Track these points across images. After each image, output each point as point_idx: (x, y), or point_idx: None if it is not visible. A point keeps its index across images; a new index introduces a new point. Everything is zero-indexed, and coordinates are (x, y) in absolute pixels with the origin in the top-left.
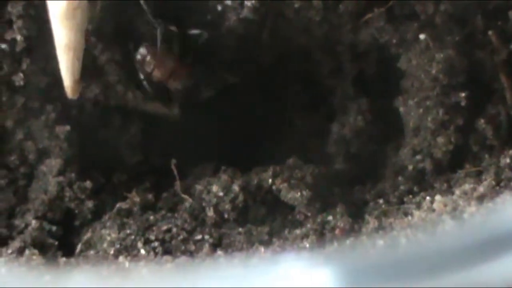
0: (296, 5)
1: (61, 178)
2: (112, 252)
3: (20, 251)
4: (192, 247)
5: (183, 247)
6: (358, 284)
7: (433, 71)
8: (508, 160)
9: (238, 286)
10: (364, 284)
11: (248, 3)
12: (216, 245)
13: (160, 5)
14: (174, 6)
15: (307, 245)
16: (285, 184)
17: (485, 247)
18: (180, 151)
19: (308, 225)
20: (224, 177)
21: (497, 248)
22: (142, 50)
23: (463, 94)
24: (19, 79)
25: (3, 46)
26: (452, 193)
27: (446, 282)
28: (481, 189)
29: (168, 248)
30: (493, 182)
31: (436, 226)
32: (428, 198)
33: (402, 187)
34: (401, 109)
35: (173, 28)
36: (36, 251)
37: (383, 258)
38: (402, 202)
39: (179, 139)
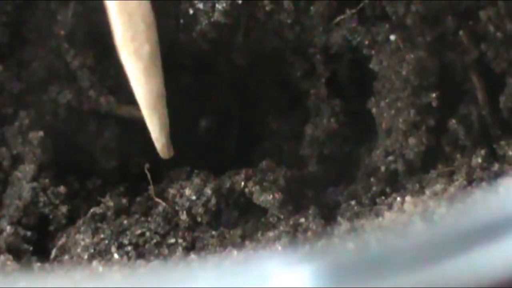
0: (268, 8)
1: (35, 184)
2: (86, 257)
3: None
4: (166, 251)
5: (156, 251)
6: (334, 283)
7: (404, 72)
8: (480, 160)
9: None
10: (341, 283)
11: (219, 6)
12: (189, 249)
13: None
14: None
15: (280, 248)
16: (257, 187)
17: (454, 243)
18: (155, 155)
19: (281, 228)
20: (196, 180)
21: (465, 244)
22: None
23: (434, 95)
24: None
25: None
26: (424, 194)
27: (415, 278)
28: (451, 189)
29: (141, 252)
30: (465, 182)
31: (406, 227)
32: (399, 199)
33: (374, 189)
34: (374, 110)
35: None
36: (10, 257)
37: (357, 257)
38: (375, 204)
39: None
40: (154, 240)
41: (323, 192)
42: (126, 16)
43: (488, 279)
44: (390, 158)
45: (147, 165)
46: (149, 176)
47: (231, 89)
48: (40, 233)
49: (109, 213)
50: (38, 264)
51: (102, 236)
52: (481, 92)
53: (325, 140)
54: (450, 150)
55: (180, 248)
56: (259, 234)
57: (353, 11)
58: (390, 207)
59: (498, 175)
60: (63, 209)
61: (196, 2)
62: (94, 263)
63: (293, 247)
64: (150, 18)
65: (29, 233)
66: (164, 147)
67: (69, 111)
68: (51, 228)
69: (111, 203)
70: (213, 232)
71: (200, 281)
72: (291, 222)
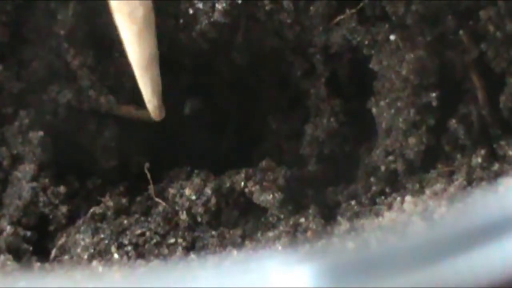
0: (267, 8)
1: (35, 184)
2: (86, 256)
3: None
4: (166, 251)
5: (156, 251)
6: (334, 283)
7: (404, 72)
8: (479, 160)
9: None
10: (341, 282)
11: (219, 6)
12: (189, 249)
13: None
14: None
15: (280, 247)
16: (257, 187)
17: (453, 243)
18: (155, 154)
19: (281, 227)
20: (196, 180)
21: (465, 244)
22: None
23: (434, 94)
24: None
25: None
26: (423, 194)
27: (415, 278)
28: (451, 189)
29: (141, 252)
30: (465, 182)
31: (406, 227)
32: (398, 198)
33: (374, 188)
34: (374, 110)
35: None
36: (10, 257)
37: (357, 257)
38: (374, 203)
39: (153, 143)
40: (154, 240)
41: (323, 192)
42: None
43: (487, 278)
44: (390, 157)
45: (147, 165)
46: (149, 175)
47: (231, 88)
48: (40, 233)
49: (109, 213)
50: (38, 264)
51: (102, 236)
52: (481, 91)
53: (325, 139)
54: (450, 149)
55: (180, 248)
56: (259, 234)
57: (353, 11)
58: (390, 206)
59: (498, 174)
60: (63, 209)
61: (196, 2)
62: (94, 263)
63: (293, 247)
64: None
65: (29, 233)
66: (156, 108)
67: (69, 111)
68: (51, 228)
69: (111, 203)
70: (213, 232)
71: (200, 281)
72: (291, 222)
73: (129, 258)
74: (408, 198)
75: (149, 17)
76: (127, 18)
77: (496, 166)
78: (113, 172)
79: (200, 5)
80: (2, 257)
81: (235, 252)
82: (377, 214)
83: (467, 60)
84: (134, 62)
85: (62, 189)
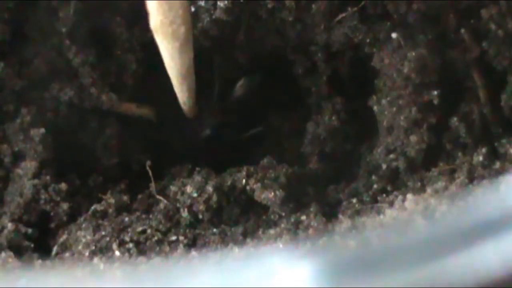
0: (269, 6)
1: (36, 181)
2: (87, 254)
3: None
4: (167, 248)
5: (157, 248)
6: (335, 281)
7: (405, 70)
8: (481, 158)
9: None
10: (342, 280)
11: (221, 4)
12: (191, 246)
13: (134, 8)
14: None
15: (281, 245)
16: (259, 184)
17: (455, 241)
18: (156, 152)
19: (282, 225)
20: (198, 178)
21: (466, 242)
22: None
23: (435, 93)
24: None
25: None
26: (425, 192)
27: (416, 275)
28: (453, 187)
29: (142, 249)
30: (466, 180)
31: (407, 225)
32: (400, 196)
33: (375, 186)
34: (375, 108)
35: None
36: (11, 254)
37: (358, 254)
38: (376, 201)
39: (155, 140)
40: (155, 237)
41: (324, 190)
42: (166, 6)
43: (488, 277)
44: (391, 155)
45: (148, 162)
46: (150, 173)
47: (232, 86)
48: (41, 230)
49: (110, 210)
50: (39, 261)
51: (103, 233)
52: (483, 90)
53: (326, 137)
54: (451, 148)
55: (181, 245)
56: (260, 232)
57: (355, 9)
58: (391, 204)
59: (499, 173)
60: (64, 206)
61: None
62: (95, 260)
63: (294, 245)
64: (186, 2)
65: (30, 230)
66: (191, 108)
67: (71, 108)
68: (52, 225)
69: (112, 200)
70: (214, 230)
71: (201, 278)
72: (292, 220)
73: (130, 255)
74: (409, 196)
75: (189, 32)
76: (170, 37)
77: (497, 165)
78: (114, 169)
79: (202, 3)
80: (3, 254)
81: (236, 249)
82: (379, 212)
83: (468, 59)
84: (174, 73)
85: (63, 186)
